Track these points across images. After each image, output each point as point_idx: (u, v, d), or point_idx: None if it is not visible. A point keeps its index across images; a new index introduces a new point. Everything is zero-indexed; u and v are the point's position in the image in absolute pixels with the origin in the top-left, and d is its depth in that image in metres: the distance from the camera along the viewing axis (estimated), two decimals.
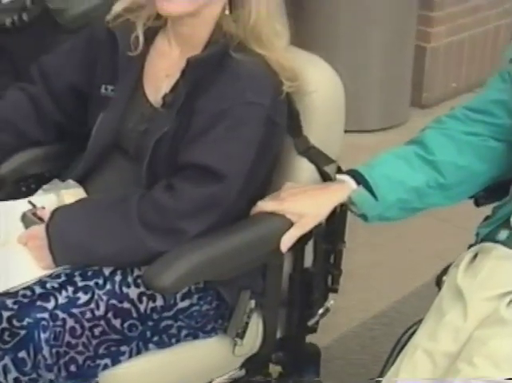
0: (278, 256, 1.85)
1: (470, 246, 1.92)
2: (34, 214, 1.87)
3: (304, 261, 1.95)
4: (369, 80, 4.49)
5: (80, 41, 2.01)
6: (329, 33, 4.42)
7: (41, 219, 1.85)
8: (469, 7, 4.81)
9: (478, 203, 2.04)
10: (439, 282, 1.91)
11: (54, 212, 1.81)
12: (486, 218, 1.97)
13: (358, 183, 1.87)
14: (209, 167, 1.74)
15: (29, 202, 1.92)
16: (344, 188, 1.87)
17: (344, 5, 4.34)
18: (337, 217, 1.96)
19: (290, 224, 1.81)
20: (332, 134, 1.97)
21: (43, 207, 1.89)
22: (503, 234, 1.84)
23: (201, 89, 1.80)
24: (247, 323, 1.85)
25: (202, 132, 1.77)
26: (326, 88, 1.94)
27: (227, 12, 1.84)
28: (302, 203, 1.83)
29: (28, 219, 1.87)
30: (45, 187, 1.98)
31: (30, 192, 2.02)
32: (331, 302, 2.00)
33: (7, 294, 1.69)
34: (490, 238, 1.86)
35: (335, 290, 2.04)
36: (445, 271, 1.90)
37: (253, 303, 1.86)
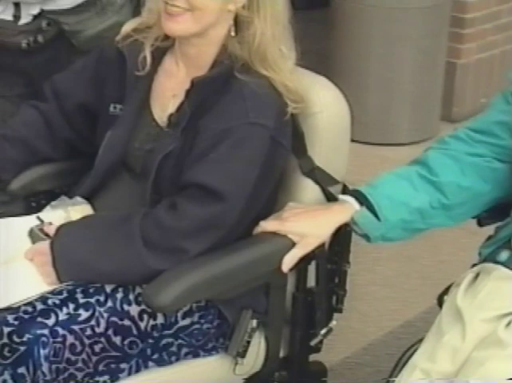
0: (281, 276, 1.84)
1: (474, 265, 1.90)
2: (41, 230, 1.88)
3: (307, 281, 1.93)
4: (401, 94, 4.53)
5: (90, 60, 2.03)
6: (362, 50, 4.49)
7: (47, 235, 1.86)
8: (499, 24, 4.79)
9: (480, 224, 2.02)
10: (440, 301, 1.89)
11: (59, 229, 1.82)
12: (489, 238, 1.95)
13: (361, 203, 1.86)
14: (210, 187, 1.74)
15: (38, 217, 1.93)
16: (347, 209, 1.86)
17: (377, 22, 4.40)
18: (342, 237, 1.95)
19: (292, 244, 1.81)
20: (337, 154, 1.96)
21: (50, 223, 1.89)
22: (504, 255, 1.83)
23: (205, 109, 1.80)
24: (248, 342, 1.84)
25: (204, 152, 1.77)
26: (331, 109, 1.93)
27: (233, 33, 1.84)
28: (304, 224, 1.82)
29: (35, 235, 1.88)
30: (52, 203, 1.99)
31: (40, 208, 2.03)
32: (333, 322, 1.98)
33: (9, 309, 1.70)
34: (492, 258, 1.84)
35: (339, 310, 2.02)
36: (447, 290, 1.88)
37: (254, 322, 1.85)
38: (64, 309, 1.70)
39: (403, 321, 2.83)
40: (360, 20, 4.43)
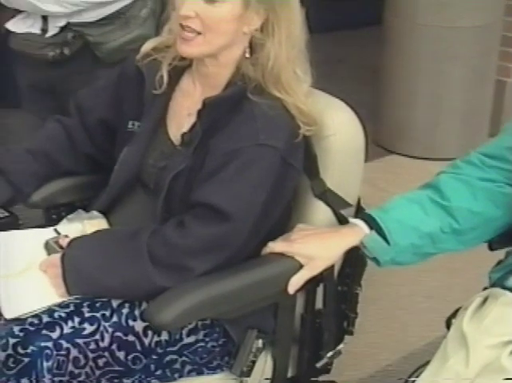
0: (289, 297, 1.82)
1: (485, 288, 1.85)
2: (56, 242, 1.90)
3: (315, 302, 1.91)
4: (450, 111, 4.56)
5: (112, 77, 2.05)
6: (412, 66, 4.53)
7: (62, 248, 1.87)
8: None
9: (491, 248, 1.97)
10: (448, 324, 1.85)
11: (71, 242, 1.83)
12: (499, 262, 1.90)
13: (371, 227, 1.83)
14: (217, 207, 1.73)
15: (55, 230, 1.95)
16: (356, 232, 1.83)
17: (428, 40, 4.42)
18: (353, 260, 1.92)
19: (299, 266, 1.78)
20: (349, 177, 1.93)
21: (66, 236, 1.91)
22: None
23: (217, 129, 1.80)
24: (254, 362, 1.82)
25: (213, 172, 1.76)
26: (344, 132, 1.90)
27: (247, 55, 1.83)
28: (312, 246, 1.80)
29: (50, 247, 1.89)
30: (69, 216, 2.01)
31: (60, 220, 2.05)
32: (341, 345, 1.95)
33: (17, 320, 1.72)
34: (500, 283, 1.80)
35: (350, 333, 1.99)
36: (455, 313, 1.85)
37: (260, 343, 1.83)
38: (70, 323, 1.70)
39: (444, 333, 2.82)
40: (411, 38, 4.48)
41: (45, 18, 2.47)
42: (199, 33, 1.77)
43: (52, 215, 2.08)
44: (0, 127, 4.13)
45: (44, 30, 2.48)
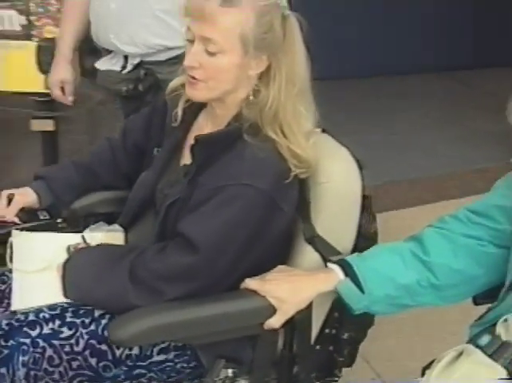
0: (269, 332, 1.79)
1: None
2: (75, 248, 1.98)
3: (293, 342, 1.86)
4: None
5: (149, 108, 2.14)
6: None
7: None
8: None
9: (476, 303, 1.87)
10: (423, 374, 1.75)
11: (78, 250, 1.91)
12: (480, 317, 1.78)
13: (347, 274, 1.77)
14: (190, 238, 1.75)
15: (82, 237, 2.04)
16: (331, 278, 1.78)
17: None
18: (340, 305, 1.85)
19: (269, 306, 1.75)
20: (341, 226, 1.87)
21: (86, 243, 1.99)
22: (485, 340, 1.67)
23: (208, 165, 1.82)
24: None
25: (197, 205, 1.79)
26: (340, 181, 1.85)
27: (251, 97, 1.83)
28: (282, 288, 1.77)
29: (70, 252, 1.99)
30: (92, 226, 2.11)
31: None
32: None
33: (13, 312, 1.83)
34: (475, 340, 1.69)
35: (335, 375, 1.93)
36: (430, 364, 1.74)
37: (230, 372, 1.83)
38: (50, 324, 1.79)
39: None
40: None
41: (125, 57, 2.66)
42: (203, 81, 1.80)
43: (89, 223, 2.17)
44: None
45: (123, 68, 2.65)
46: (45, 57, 3.01)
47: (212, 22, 1.73)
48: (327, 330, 1.92)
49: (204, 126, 1.94)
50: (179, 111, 1.95)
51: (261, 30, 1.76)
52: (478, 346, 1.66)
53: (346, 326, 1.93)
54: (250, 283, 1.79)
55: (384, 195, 4.14)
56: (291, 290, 1.77)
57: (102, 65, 2.77)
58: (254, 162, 1.77)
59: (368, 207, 1.98)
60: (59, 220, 2.13)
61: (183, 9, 1.77)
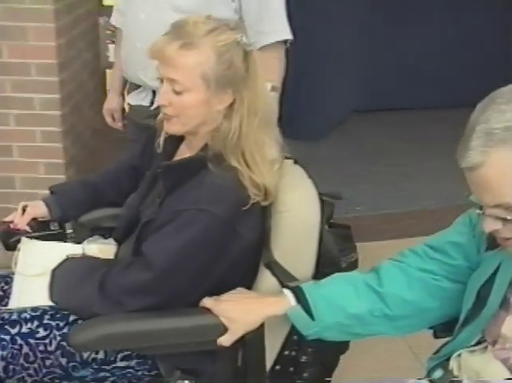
0: (226, 348, 1.85)
1: None
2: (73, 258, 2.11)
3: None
4: None
5: (147, 134, 2.24)
6: None
7: None
8: None
9: (436, 336, 1.88)
10: None
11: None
12: (437, 351, 1.80)
13: (299, 300, 1.81)
14: (147, 256, 1.86)
15: (82, 248, 2.17)
16: (281, 303, 1.83)
17: None
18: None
19: (220, 325, 1.82)
20: (297, 253, 1.92)
21: (83, 254, 2.12)
22: (438, 374, 1.72)
23: (174, 190, 1.92)
24: None
25: (159, 226, 1.90)
26: (297, 210, 1.91)
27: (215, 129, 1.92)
28: (234, 309, 1.84)
29: None
30: (89, 239, 2.23)
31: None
32: None
33: (4, 313, 1.97)
34: (429, 374, 1.73)
35: None
36: None
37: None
38: (29, 324, 1.93)
39: None
40: None
41: (154, 92, 2.77)
42: (175, 116, 1.91)
43: (95, 235, 2.30)
44: None
45: (152, 103, 2.75)
46: None
47: (174, 65, 1.84)
48: (286, 352, 1.97)
49: (184, 153, 2.04)
50: (161, 140, 2.07)
51: (221, 68, 1.84)
52: (431, 380, 1.70)
53: (304, 349, 1.96)
54: (207, 302, 1.87)
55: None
56: (242, 311, 1.83)
57: (132, 99, 2.90)
58: (213, 189, 1.85)
59: (348, 237, 2.02)
60: (69, 231, 2.29)
61: (149, 52, 1.87)
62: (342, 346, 2.06)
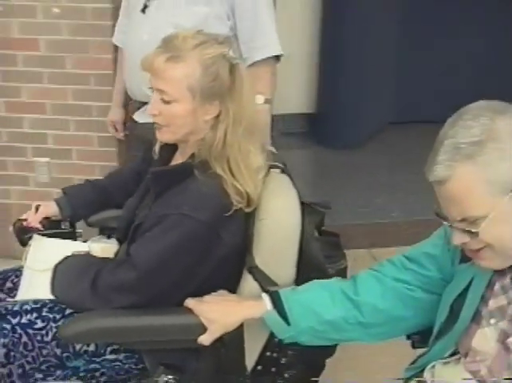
0: (210, 347, 1.92)
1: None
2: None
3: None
4: None
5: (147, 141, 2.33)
6: None
7: None
8: None
9: (414, 346, 1.92)
10: None
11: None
12: (413, 361, 1.84)
13: (276, 305, 1.88)
14: (132, 257, 1.96)
15: (88, 246, 2.28)
16: (258, 307, 1.90)
17: None
18: None
19: (200, 325, 1.90)
20: (277, 259, 1.99)
21: (87, 252, 2.23)
22: None
23: (162, 195, 2.02)
24: None
25: (146, 229, 2.00)
26: (276, 218, 1.98)
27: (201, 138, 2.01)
28: (213, 310, 1.92)
29: None
30: (93, 238, 2.35)
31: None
32: None
33: (8, 303, 2.09)
34: None
35: None
36: None
37: (170, 378, 1.98)
38: (28, 316, 2.05)
39: None
40: None
41: None
42: (165, 125, 2.00)
43: (99, 235, 2.42)
44: None
45: None
46: None
47: (162, 76, 1.93)
48: (268, 353, 2.04)
49: (177, 160, 2.13)
50: (156, 147, 2.17)
51: (207, 80, 1.93)
52: None
53: (284, 352, 2.04)
54: (189, 302, 1.95)
55: None
56: (221, 312, 1.91)
57: (139, 117, 2.93)
58: (196, 195, 1.94)
59: (337, 244, 2.09)
60: (78, 230, 2.41)
61: (141, 64, 1.97)
62: (328, 350, 2.12)
